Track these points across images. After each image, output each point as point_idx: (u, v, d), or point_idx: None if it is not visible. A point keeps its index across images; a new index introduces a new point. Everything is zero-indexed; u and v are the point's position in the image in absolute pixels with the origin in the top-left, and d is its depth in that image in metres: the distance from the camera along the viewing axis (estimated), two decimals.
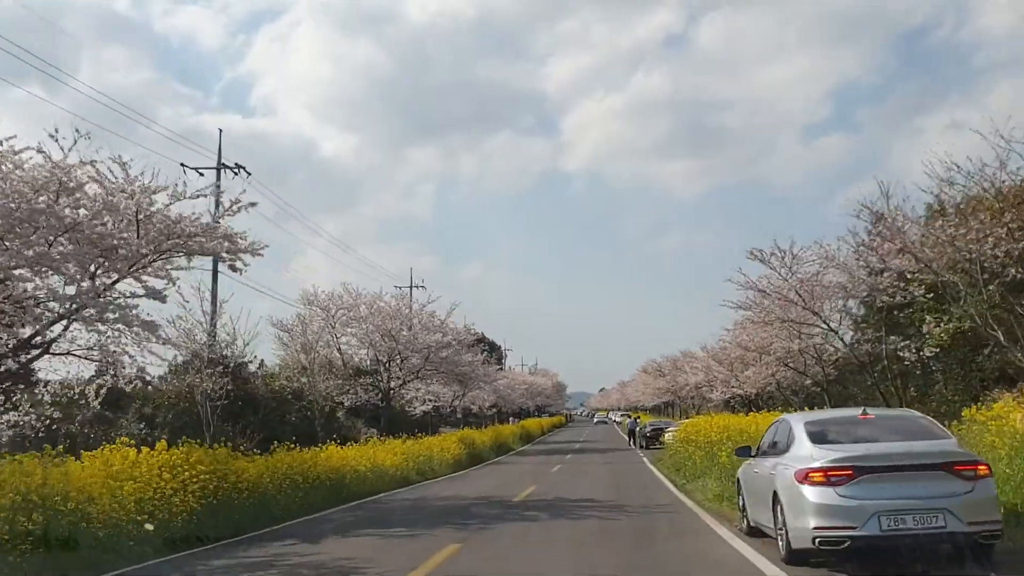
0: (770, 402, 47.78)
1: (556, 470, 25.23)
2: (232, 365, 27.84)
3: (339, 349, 35.96)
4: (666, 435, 33.76)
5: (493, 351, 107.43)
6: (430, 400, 46.30)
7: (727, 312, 30.61)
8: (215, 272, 30.77)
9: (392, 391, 36.85)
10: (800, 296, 23.83)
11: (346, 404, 36.07)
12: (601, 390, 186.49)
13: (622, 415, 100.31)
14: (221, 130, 30.40)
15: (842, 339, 24.03)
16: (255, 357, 30.06)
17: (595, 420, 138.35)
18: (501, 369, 67.11)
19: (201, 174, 30.77)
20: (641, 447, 39.14)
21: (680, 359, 69.32)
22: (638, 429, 40.86)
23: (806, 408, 27.68)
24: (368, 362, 38.08)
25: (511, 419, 79.25)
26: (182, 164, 29.18)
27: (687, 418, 49.13)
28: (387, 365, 36.61)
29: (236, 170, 30.59)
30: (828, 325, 24.37)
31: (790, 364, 30.48)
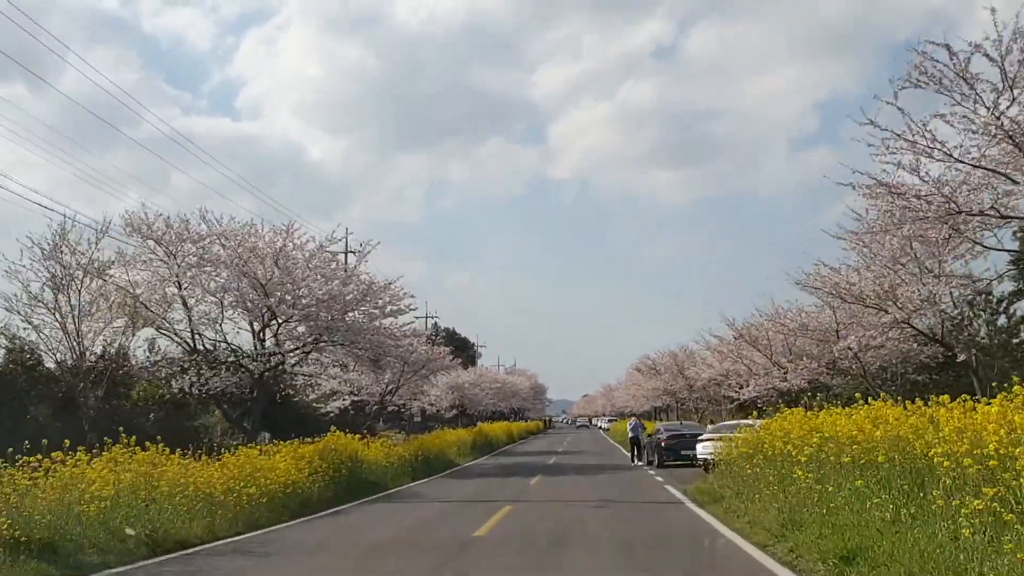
0: (816, 397, 35.44)
1: (488, 532, 11.33)
2: None
3: (185, 304, 22.81)
4: (700, 447, 20.77)
5: (464, 349, 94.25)
6: (351, 394, 33.34)
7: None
8: None
9: (268, 374, 23.78)
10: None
11: (191, 391, 23.07)
12: (584, 396, 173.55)
13: (609, 420, 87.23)
14: None
15: None
16: None
17: (577, 424, 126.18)
18: (459, 361, 54.07)
19: None
20: (649, 463, 26.16)
21: (680, 355, 56.89)
22: (644, 437, 27.77)
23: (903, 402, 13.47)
24: (235, 329, 24.86)
25: (479, 423, 65.98)
26: None
27: (683, 421, 36.04)
28: (260, 333, 23.62)
29: None
30: None
31: (915, 325, 17.73)
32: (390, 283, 25.06)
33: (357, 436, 19.36)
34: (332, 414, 33.69)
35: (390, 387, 34.09)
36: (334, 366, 32.75)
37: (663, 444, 24.61)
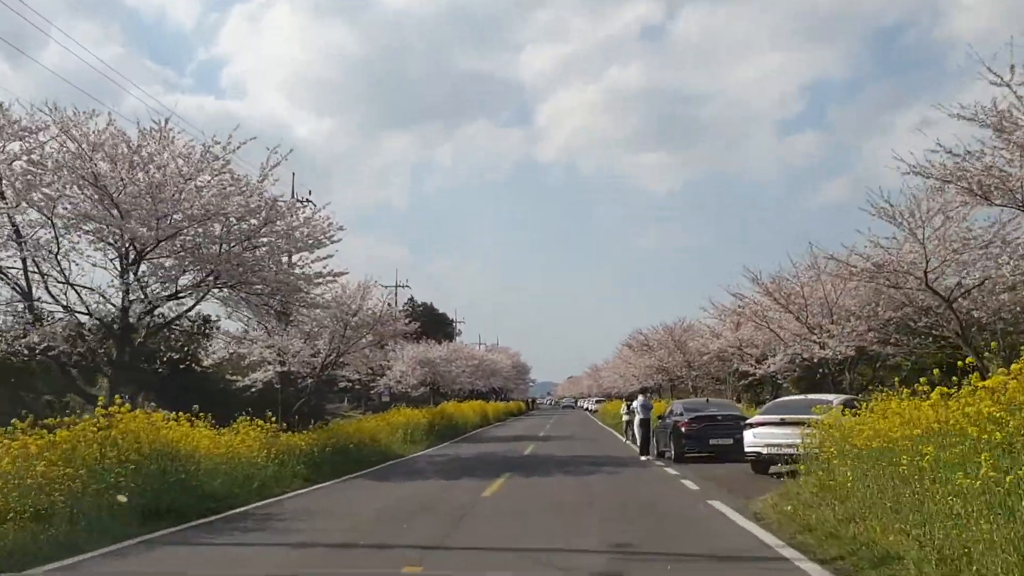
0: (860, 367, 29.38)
1: None
2: None
3: (14, 227, 15.81)
4: (751, 437, 13.68)
5: (442, 326, 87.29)
6: (280, 363, 26.46)
7: None
8: None
9: (138, 326, 16.99)
10: None
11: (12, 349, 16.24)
12: (569, 377, 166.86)
13: (597, 401, 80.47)
14: None
15: None
16: None
17: (563, 405, 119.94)
18: (417, 325, 47.28)
19: None
20: (661, 454, 19.39)
21: (677, 329, 50.29)
22: (653, 420, 20.60)
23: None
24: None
25: (443, 403, 58.79)
26: None
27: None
28: (123, 270, 16.70)
29: None
30: None
31: None
32: (305, 203, 18.13)
33: (189, 417, 12.25)
34: (254, 389, 26.85)
35: (329, 355, 27.21)
36: (259, 327, 26.10)
37: (683, 430, 17.64)
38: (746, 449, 13.70)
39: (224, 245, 16.77)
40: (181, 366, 20.36)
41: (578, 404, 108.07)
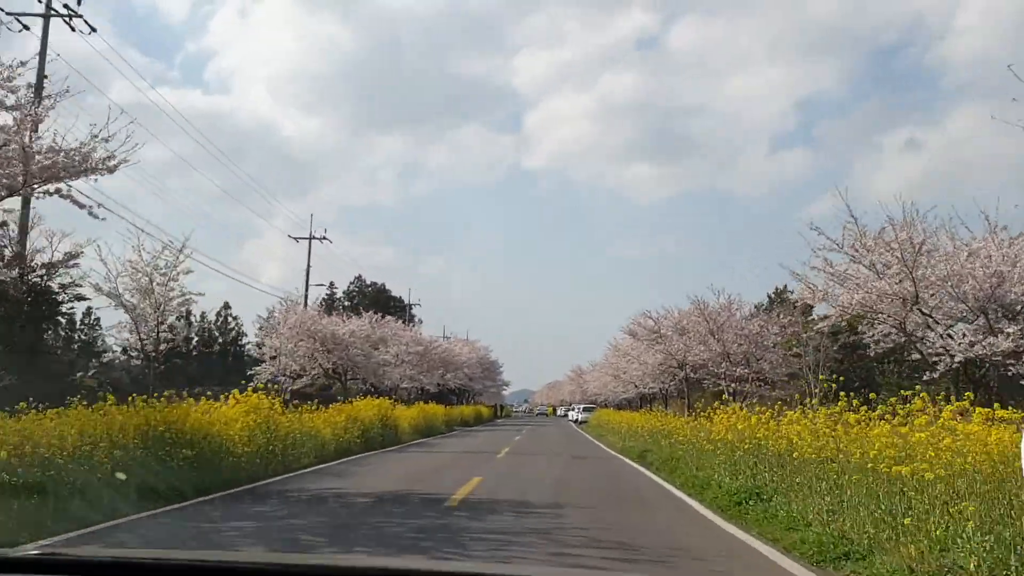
0: None
1: None
2: None
3: None
4: None
5: (393, 312, 68.09)
6: None
7: None
8: None
9: None
10: None
11: None
12: (548, 384, 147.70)
13: (585, 409, 59.89)
14: None
15: None
16: None
17: (536, 412, 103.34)
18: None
19: None
20: None
21: (714, 307, 31.23)
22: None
23: None
24: None
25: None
26: None
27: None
28: None
29: None
30: None
31: None
32: None
33: None
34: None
35: None
36: None
37: None
38: None
39: None
40: None
41: (559, 412, 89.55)
